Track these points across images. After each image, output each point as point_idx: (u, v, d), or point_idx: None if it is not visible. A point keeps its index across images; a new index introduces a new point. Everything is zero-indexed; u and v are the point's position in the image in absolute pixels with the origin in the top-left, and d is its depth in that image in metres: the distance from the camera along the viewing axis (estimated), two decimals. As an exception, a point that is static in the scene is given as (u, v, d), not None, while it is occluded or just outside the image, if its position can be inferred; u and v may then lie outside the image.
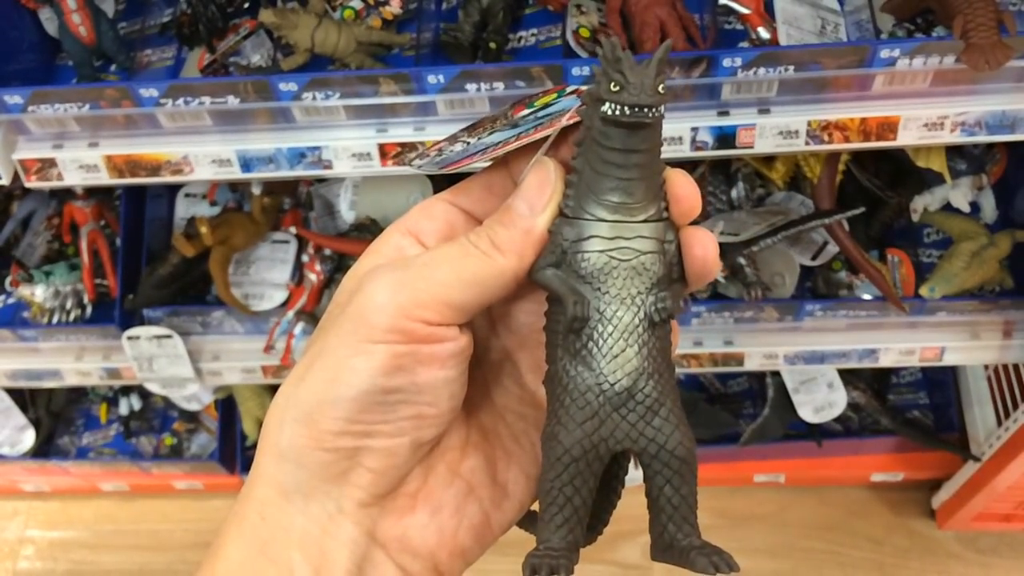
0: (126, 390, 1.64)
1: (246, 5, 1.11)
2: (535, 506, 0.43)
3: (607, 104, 0.37)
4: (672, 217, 0.41)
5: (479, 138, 0.45)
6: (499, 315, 0.45)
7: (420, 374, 0.39)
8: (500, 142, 0.43)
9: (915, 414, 1.54)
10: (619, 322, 0.39)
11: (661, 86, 0.37)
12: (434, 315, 0.39)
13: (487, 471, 0.44)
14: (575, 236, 0.40)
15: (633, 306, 0.40)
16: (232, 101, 0.99)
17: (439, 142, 0.48)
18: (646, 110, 0.37)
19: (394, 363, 0.39)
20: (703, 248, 0.40)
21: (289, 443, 0.39)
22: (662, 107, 0.38)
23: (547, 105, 0.45)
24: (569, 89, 0.46)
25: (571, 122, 0.41)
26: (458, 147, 0.45)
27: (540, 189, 0.41)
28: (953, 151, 1.22)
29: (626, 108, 0.37)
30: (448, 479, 0.43)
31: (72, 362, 1.35)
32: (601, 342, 0.39)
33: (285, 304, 1.29)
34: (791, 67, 0.93)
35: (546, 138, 0.42)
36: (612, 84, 0.37)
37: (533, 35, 1.08)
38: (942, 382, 1.52)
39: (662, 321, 0.40)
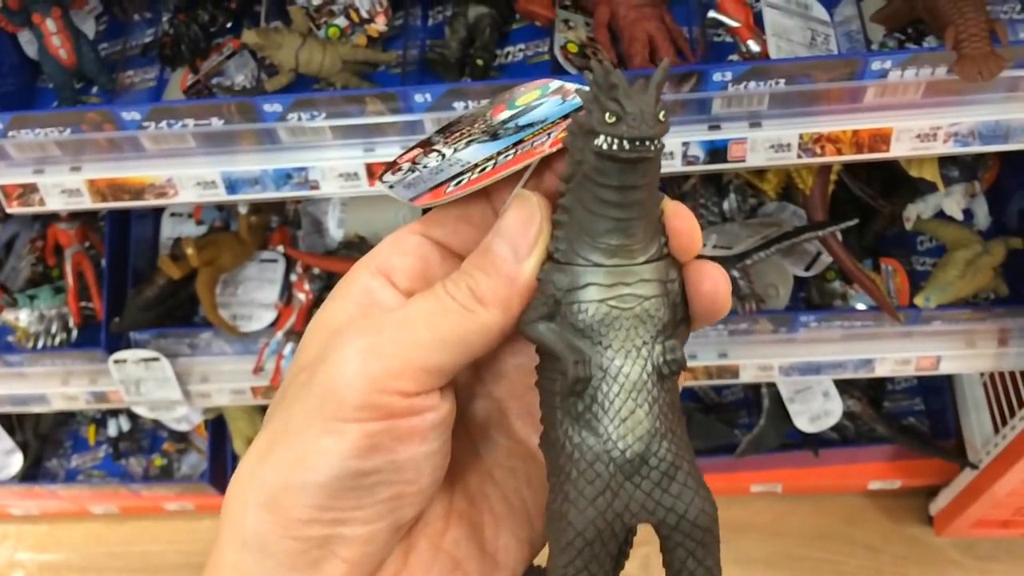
0: (114, 411, 1.62)
1: (229, 25, 1.10)
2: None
3: (602, 138, 0.33)
4: (672, 252, 0.37)
5: (454, 148, 0.41)
6: (483, 359, 0.40)
7: (399, 452, 0.35)
8: (475, 167, 0.39)
9: (911, 421, 1.53)
10: (625, 379, 0.35)
11: (662, 113, 0.33)
12: (412, 384, 0.35)
13: (474, 541, 0.39)
14: (569, 284, 0.36)
15: (640, 359, 0.35)
16: (216, 123, 0.97)
17: (412, 150, 0.43)
18: (647, 143, 0.33)
19: (369, 443, 0.34)
20: (713, 283, 0.37)
21: (254, 530, 0.35)
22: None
23: (529, 107, 0.41)
24: (553, 86, 0.42)
25: (554, 150, 0.37)
26: (432, 160, 0.41)
27: (524, 229, 0.36)
28: (945, 158, 1.21)
29: (625, 142, 0.33)
30: (431, 557, 0.38)
31: (58, 386, 1.33)
32: (607, 403, 0.35)
33: (274, 324, 1.28)
34: (782, 80, 0.92)
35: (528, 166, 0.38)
36: (607, 115, 0.33)
37: (520, 50, 1.07)
38: (938, 388, 1.51)
39: (672, 373, 0.36)
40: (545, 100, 0.41)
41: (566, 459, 0.36)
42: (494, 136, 0.40)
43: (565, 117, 0.39)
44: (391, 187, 0.42)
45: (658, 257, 0.36)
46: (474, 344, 0.36)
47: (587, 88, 0.35)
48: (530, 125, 0.40)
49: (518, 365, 0.41)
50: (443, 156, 0.41)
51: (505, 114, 0.42)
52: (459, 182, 0.38)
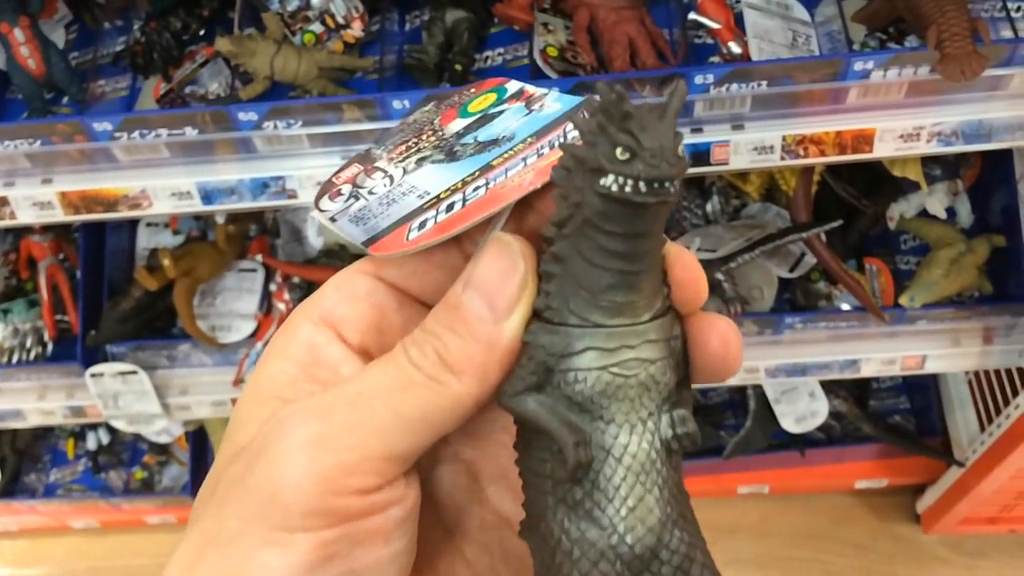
0: (93, 424, 1.59)
1: (201, 32, 1.07)
2: None
3: (612, 178, 0.28)
4: (674, 303, 0.32)
5: (403, 169, 0.35)
6: None
7: (359, 558, 0.29)
8: (438, 201, 0.32)
9: (897, 419, 1.53)
10: (632, 460, 0.30)
11: (680, 147, 0.28)
12: (371, 479, 0.29)
13: None
14: (563, 349, 0.30)
15: (646, 434, 0.30)
16: (190, 132, 0.95)
17: (349, 166, 0.36)
18: (667, 185, 0.28)
19: (321, 554, 0.28)
20: (722, 341, 0.31)
21: None
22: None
23: (487, 115, 0.35)
24: (511, 88, 0.37)
25: (538, 185, 0.31)
26: (378, 183, 0.35)
27: (504, 281, 0.30)
28: (928, 157, 1.20)
29: (641, 183, 0.28)
30: None
31: (34, 401, 1.31)
32: (611, 489, 0.30)
33: (254, 335, 1.26)
34: (764, 82, 0.91)
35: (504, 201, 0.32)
36: (619, 150, 0.28)
37: (499, 55, 1.05)
38: (923, 386, 1.51)
39: (683, 448, 0.31)
40: (505, 107, 0.36)
41: (563, 557, 0.30)
42: (450, 154, 0.34)
43: (540, 135, 0.34)
44: (333, 219, 0.35)
45: (663, 312, 0.31)
46: (445, 422, 0.30)
47: (587, 115, 0.29)
48: (495, 143, 0.34)
49: (491, 421, 0.35)
50: (391, 179, 0.35)
51: (458, 124, 0.36)
52: (423, 223, 0.32)
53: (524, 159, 0.33)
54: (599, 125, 0.28)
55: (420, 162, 0.34)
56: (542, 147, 0.33)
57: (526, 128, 0.34)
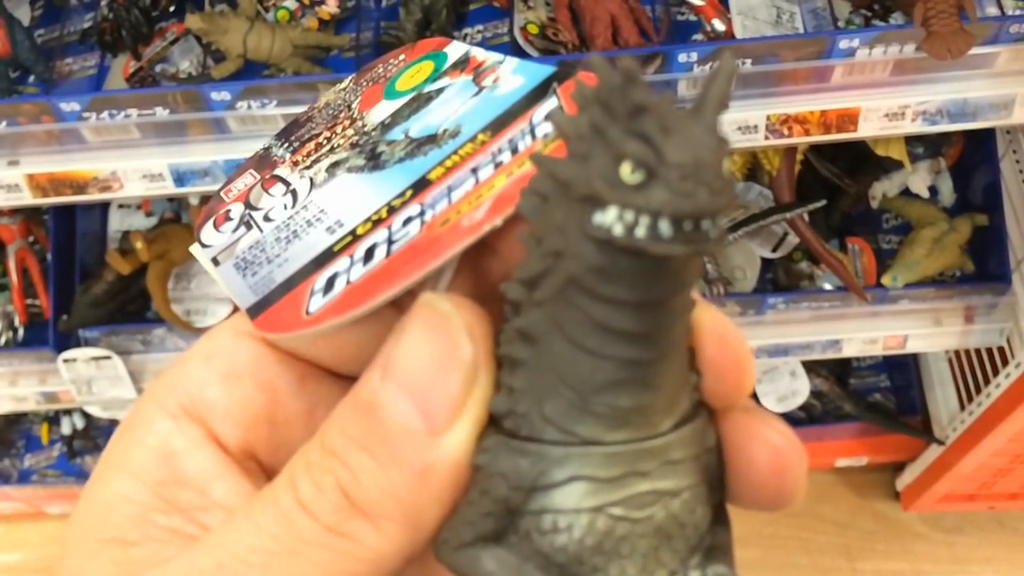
0: (68, 409, 1.57)
1: (172, 9, 1.04)
2: None
3: (615, 212, 0.18)
4: (705, 396, 0.22)
5: (310, 179, 0.25)
6: None
7: None
8: (353, 238, 0.23)
9: (877, 398, 1.53)
10: None
11: (725, 163, 0.18)
12: None
13: None
14: (535, 478, 0.20)
15: None
16: (161, 113, 0.93)
17: (243, 172, 0.27)
18: (705, 225, 0.17)
19: None
20: (775, 458, 0.22)
21: None
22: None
23: (422, 95, 0.26)
24: (452, 54, 0.27)
25: (498, 221, 0.22)
26: (277, 204, 0.25)
27: (441, 373, 0.20)
28: (911, 136, 1.20)
29: (664, 223, 0.17)
30: None
31: (6, 387, 1.28)
32: None
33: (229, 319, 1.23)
34: (748, 60, 0.90)
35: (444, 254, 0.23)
36: (628, 166, 0.17)
37: (479, 32, 1.03)
38: (903, 364, 1.51)
39: None
40: (446, 81, 0.26)
41: None
42: (372, 157, 0.25)
43: (497, 129, 0.24)
44: (215, 260, 0.26)
45: (690, 415, 0.22)
46: None
47: (572, 106, 0.19)
48: (432, 140, 0.25)
49: None
50: (293, 196, 0.25)
51: (383, 109, 0.26)
52: (330, 281, 0.23)
53: (475, 170, 0.23)
54: (593, 125, 0.18)
55: (332, 169, 0.26)
56: (500, 150, 0.24)
57: (476, 116, 0.25)
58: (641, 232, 0.17)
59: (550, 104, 0.24)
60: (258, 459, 0.23)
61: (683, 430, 0.21)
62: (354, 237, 0.23)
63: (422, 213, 0.23)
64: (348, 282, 0.22)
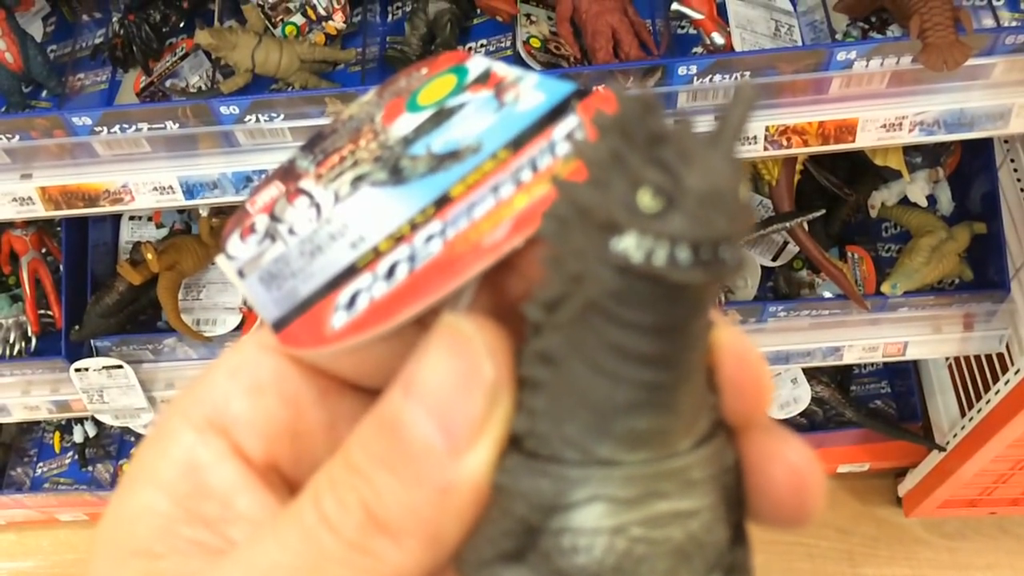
0: (80, 417, 1.58)
1: (181, 25, 1.06)
2: None
3: (635, 239, 0.18)
4: (724, 415, 0.23)
5: (335, 192, 0.26)
6: None
7: None
8: (376, 255, 0.24)
9: (878, 404, 1.54)
10: None
11: (743, 187, 0.18)
12: None
13: None
14: (554, 498, 0.20)
15: None
16: (171, 126, 0.95)
17: (269, 183, 0.28)
18: (723, 251, 0.18)
19: None
20: (793, 476, 0.22)
21: None
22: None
23: (444, 110, 0.26)
24: (473, 69, 0.27)
25: (519, 242, 0.23)
26: (301, 218, 0.26)
27: (463, 394, 0.21)
28: (909, 146, 1.21)
29: (682, 250, 0.18)
30: None
31: (19, 396, 1.30)
32: None
33: (239, 328, 1.25)
34: (747, 73, 0.91)
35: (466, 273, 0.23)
36: (647, 194, 0.18)
37: (482, 46, 1.05)
38: (903, 371, 1.52)
39: None
40: (467, 96, 0.27)
41: None
42: (395, 172, 0.26)
43: (518, 146, 0.25)
44: (241, 273, 0.26)
45: (710, 434, 0.22)
46: None
47: (593, 132, 0.20)
48: (454, 156, 0.25)
49: None
50: (317, 209, 0.26)
51: (406, 123, 0.27)
52: (353, 298, 0.23)
53: (495, 188, 0.24)
54: (613, 152, 0.19)
55: (356, 183, 0.26)
56: (520, 168, 0.24)
57: (497, 133, 0.25)
58: (660, 259, 0.18)
59: (570, 122, 0.25)
60: (281, 472, 0.24)
61: (702, 450, 0.21)
62: (376, 253, 0.24)
63: (443, 231, 0.24)
64: (371, 299, 0.23)
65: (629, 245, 0.18)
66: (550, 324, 0.21)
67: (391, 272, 0.23)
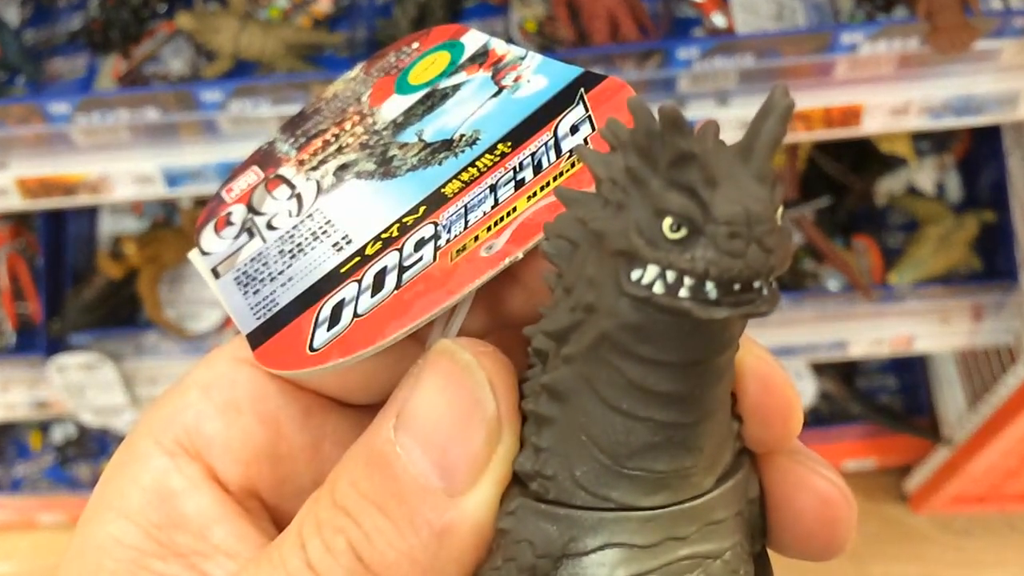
0: (60, 418, 1.55)
1: (162, 8, 1.02)
2: None
3: (655, 271, 0.16)
4: (748, 443, 0.20)
5: (316, 182, 0.23)
6: None
7: None
8: (363, 259, 0.21)
9: (885, 399, 1.51)
10: None
11: (779, 212, 0.16)
12: None
13: None
14: (564, 545, 0.18)
15: None
16: (152, 114, 0.91)
17: (246, 168, 0.25)
18: (759, 285, 0.16)
19: None
20: (823, 507, 0.20)
21: None
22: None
23: (437, 92, 0.23)
24: (470, 45, 0.24)
25: (514, 257, 0.20)
26: (280, 209, 0.23)
27: (461, 428, 0.18)
28: (916, 132, 1.18)
29: (711, 285, 0.16)
30: None
31: (-3, 395, 1.26)
32: None
33: (223, 323, 1.21)
34: (750, 56, 0.88)
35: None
36: (670, 223, 0.16)
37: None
38: (910, 365, 1.49)
39: None
40: (463, 77, 0.24)
41: None
42: (384, 162, 0.23)
43: (519, 139, 0.22)
44: (215, 272, 0.23)
45: (733, 468, 0.20)
46: None
47: (607, 143, 0.17)
48: (448, 147, 0.22)
49: None
50: (298, 201, 0.23)
51: (395, 105, 0.24)
52: (336, 309, 0.20)
53: (493, 187, 0.21)
54: (630, 172, 0.16)
55: (340, 173, 0.23)
56: (521, 166, 0.21)
57: (496, 122, 0.22)
58: (685, 293, 0.16)
59: (576, 114, 0.22)
60: (260, 497, 0.22)
61: (725, 487, 0.19)
62: (362, 258, 0.21)
63: (436, 236, 0.21)
64: (355, 314, 0.20)
65: (650, 277, 0.16)
66: (558, 356, 0.18)
67: (378, 282, 0.20)
